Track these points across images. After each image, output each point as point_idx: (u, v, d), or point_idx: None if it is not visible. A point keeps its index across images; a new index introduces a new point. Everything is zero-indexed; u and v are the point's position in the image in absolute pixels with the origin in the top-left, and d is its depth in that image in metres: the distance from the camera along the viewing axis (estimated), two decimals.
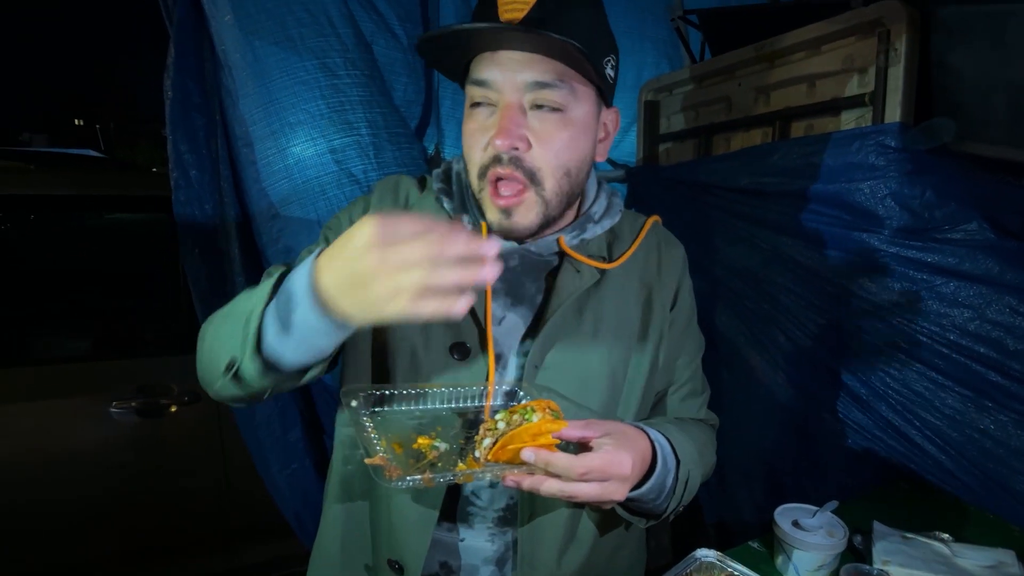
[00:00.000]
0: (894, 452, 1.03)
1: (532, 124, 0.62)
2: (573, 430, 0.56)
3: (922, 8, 0.98)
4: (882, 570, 0.76)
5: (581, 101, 0.64)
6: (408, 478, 0.52)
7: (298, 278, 0.50)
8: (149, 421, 1.48)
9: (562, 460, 0.54)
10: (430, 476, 0.53)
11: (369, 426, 0.59)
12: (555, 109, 0.62)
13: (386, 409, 0.63)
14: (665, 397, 0.78)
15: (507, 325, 0.69)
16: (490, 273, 0.46)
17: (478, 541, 0.70)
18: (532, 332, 0.69)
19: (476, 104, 0.64)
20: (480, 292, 0.67)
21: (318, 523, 0.80)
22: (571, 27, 0.57)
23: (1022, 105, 0.93)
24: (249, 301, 0.55)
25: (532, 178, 0.63)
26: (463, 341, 0.68)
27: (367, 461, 0.54)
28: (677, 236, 0.81)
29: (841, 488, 1.09)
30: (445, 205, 0.71)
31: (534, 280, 0.71)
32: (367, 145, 1.11)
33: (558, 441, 0.56)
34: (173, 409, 1.51)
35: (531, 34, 0.57)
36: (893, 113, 1.00)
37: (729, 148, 1.38)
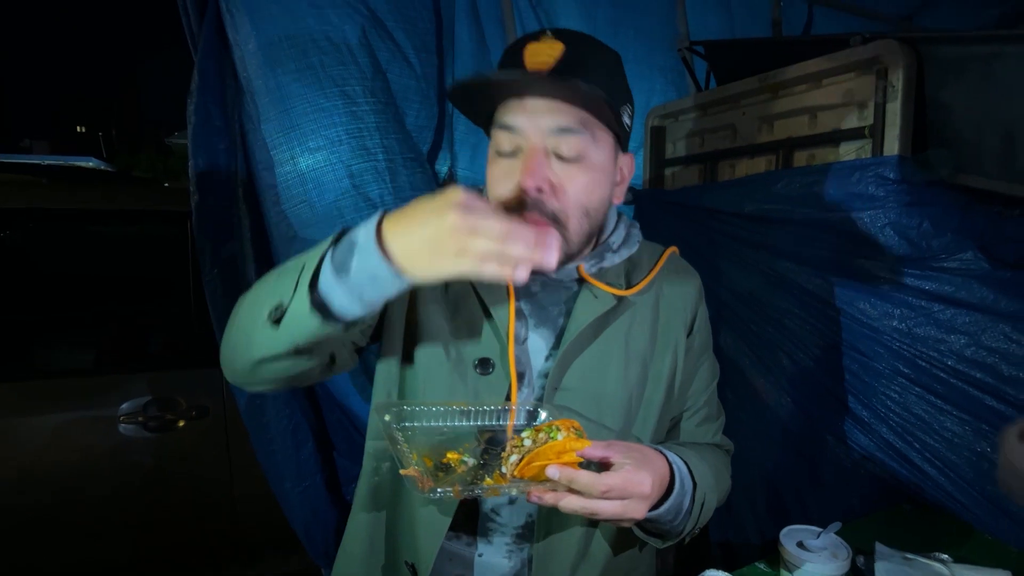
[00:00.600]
0: (895, 474, 1.05)
1: (555, 169, 0.65)
2: (595, 450, 0.59)
3: (918, 47, 1.02)
4: None
5: (601, 147, 0.67)
6: (439, 490, 0.55)
7: (362, 230, 0.52)
8: (157, 435, 1.49)
9: (585, 478, 0.56)
10: (460, 489, 0.56)
11: (402, 439, 0.61)
12: (577, 154, 0.65)
13: (415, 424, 0.66)
14: (680, 422, 0.81)
15: (530, 345, 0.72)
16: (551, 259, 0.50)
17: (496, 557, 0.72)
18: (553, 354, 0.72)
19: (501, 149, 0.67)
20: (505, 312, 0.70)
21: (327, 536, 0.81)
22: (594, 77, 0.61)
23: (1013, 140, 0.97)
24: (300, 259, 0.57)
25: (555, 220, 0.66)
26: (488, 357, 0.71)
27: (402, 472, 0.57)
28: None
29: (844, 509, 1.11)
30: None
31: (556, 304, 0.74)
32: (383, 170, 1.15)
33: (581, 459, 0.58)
34: (181, 424, 1.52)
35: (559, 83, 0.60)
36: (892, 146, 1.03)
37: (734, 174, 1.42)
